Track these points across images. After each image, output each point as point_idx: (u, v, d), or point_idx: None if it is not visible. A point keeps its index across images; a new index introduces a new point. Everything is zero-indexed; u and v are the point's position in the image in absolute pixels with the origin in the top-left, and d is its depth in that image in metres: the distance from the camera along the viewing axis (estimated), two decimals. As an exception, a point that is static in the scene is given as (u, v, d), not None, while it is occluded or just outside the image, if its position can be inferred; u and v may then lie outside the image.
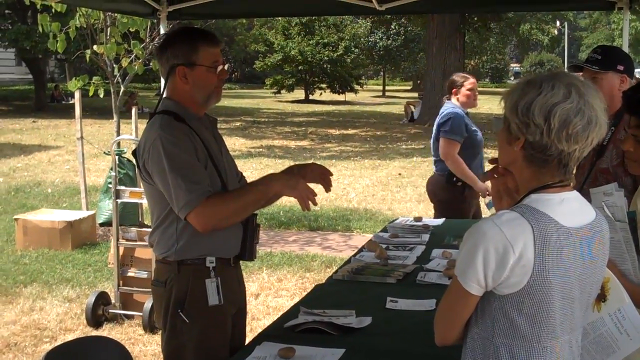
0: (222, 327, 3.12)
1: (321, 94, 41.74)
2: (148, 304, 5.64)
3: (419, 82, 50.74)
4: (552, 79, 1.94)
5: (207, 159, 3.03)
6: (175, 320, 3.04)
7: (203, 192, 2.90)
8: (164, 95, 3.17)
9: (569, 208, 1.97)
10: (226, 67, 3.17)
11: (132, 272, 6.04)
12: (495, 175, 2.14)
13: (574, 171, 2.01)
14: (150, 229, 3.21)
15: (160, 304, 3.12)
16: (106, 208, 8.88)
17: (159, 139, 2.93)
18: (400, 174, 14.28)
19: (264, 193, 3.06)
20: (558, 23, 60.31)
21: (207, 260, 3.04)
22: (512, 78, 64.09)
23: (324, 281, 4.20)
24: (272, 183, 3.06)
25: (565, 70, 3.87)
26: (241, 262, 3.26)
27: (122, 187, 6.23)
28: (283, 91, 41.38)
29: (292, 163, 16.00)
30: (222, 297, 3.05)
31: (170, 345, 3.09)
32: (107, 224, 8.64)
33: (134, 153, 3.09)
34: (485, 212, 5.67)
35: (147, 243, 3.31)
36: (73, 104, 9.25)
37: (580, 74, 3.76)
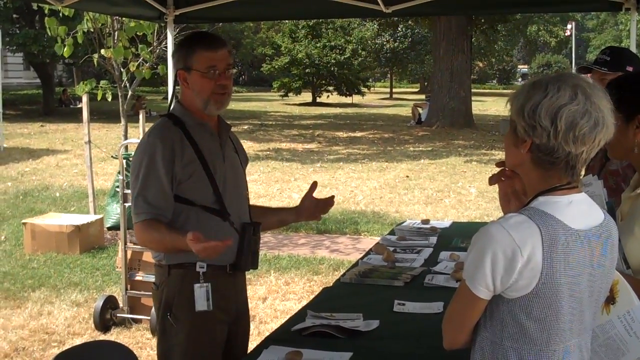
0: (210, 333, 3.10)
1: (328, 96, 41.76)
2: (156, 308, 5.64)
3: (426, 84, 50.71)
4: (558, 81, 1.92)
5: (197, 166, 3.03)
6: (165, 323, 3.07)
7: (145, 212, 2.97)
8: (177, 99, 3.23)
9: (577, 210, 1.95)
10: (233, 71, 3.16)
11: (139, 276, 6.04)
12: (503, 178, 2.13)
13: (583, 173, 2.00)
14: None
15: (156, 307, 3.14)
16: (114, 212, 8.90)
17: (143, 144, 3.05)
18: (407, 176, 14.26)
19: (177, 245, 2.93)
20: (568, 28, 60.21)
21: (198, 265, 3.03)
22: (519, 79, 64.00)
23: (331, 284, 4.19)
24: (184, 245, 2.86)
25: (573, 71, 3.85)
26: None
27: (130, 191, 6.22)
28: (290, 94, 41.39)
29: (299, 166, 15.94)
30: (212, 304, 3.03)
31: (161, 347, 3.13)
32: (115, 227, 8.65)
33: None
34: None
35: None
36: (81, 108, 9.27)
37: (589, 75, 3.74)
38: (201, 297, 3.02)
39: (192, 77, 3.05)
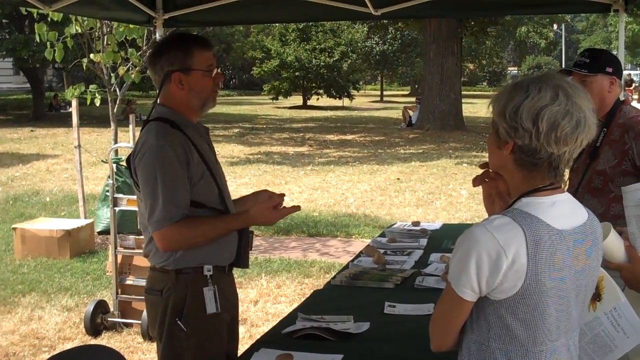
0: (219, 335, 3.10)
1: (318, 99, 41.77)
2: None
3: (416, 86, 50.78)
4: (539, 82, 1.93)
5: (204, 168, 3.01)
6: (173, 329, 3.02)
7: (176, 215, 2.91)
8: (158, 102, 3.14)
9: (560, 210, 1.96)
10: (219, 70, 3.15)
11: (130, 280, 6.03)
12: (486, 180, 2.14)
13: (566, 173, 2.00)
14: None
15: (155, 313, 3.10)
16: (104, 216, 8.87)
17: (154, 148, 2.92)
18: (398, 179, 14.28)
19: (234, 227, 3.08)
20: (555, 26, 60.42)
21: (205, 269, 3.02)
22: (509, 81, 64.10)
23: (322, 287, 4.19)
24: (245, 221, 3.08)
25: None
26: (239, 269, 3.25)
27: (120, 195, 6.22)
28: (280, 97, 41.40)
29: (290, 169, 15.86)
30: (219, 305, 3.04)
31: (168, 354, 3.07)
32: (105, 232, 8.62)
33: (128, 160, 3.07)
34: None
35: (145, 251, 3.29)
36: (71, 113, 9.25)
37: (570, 78, 3.75)
38: (211, 299, 3.02)
39: (191, 78, 3.01)
